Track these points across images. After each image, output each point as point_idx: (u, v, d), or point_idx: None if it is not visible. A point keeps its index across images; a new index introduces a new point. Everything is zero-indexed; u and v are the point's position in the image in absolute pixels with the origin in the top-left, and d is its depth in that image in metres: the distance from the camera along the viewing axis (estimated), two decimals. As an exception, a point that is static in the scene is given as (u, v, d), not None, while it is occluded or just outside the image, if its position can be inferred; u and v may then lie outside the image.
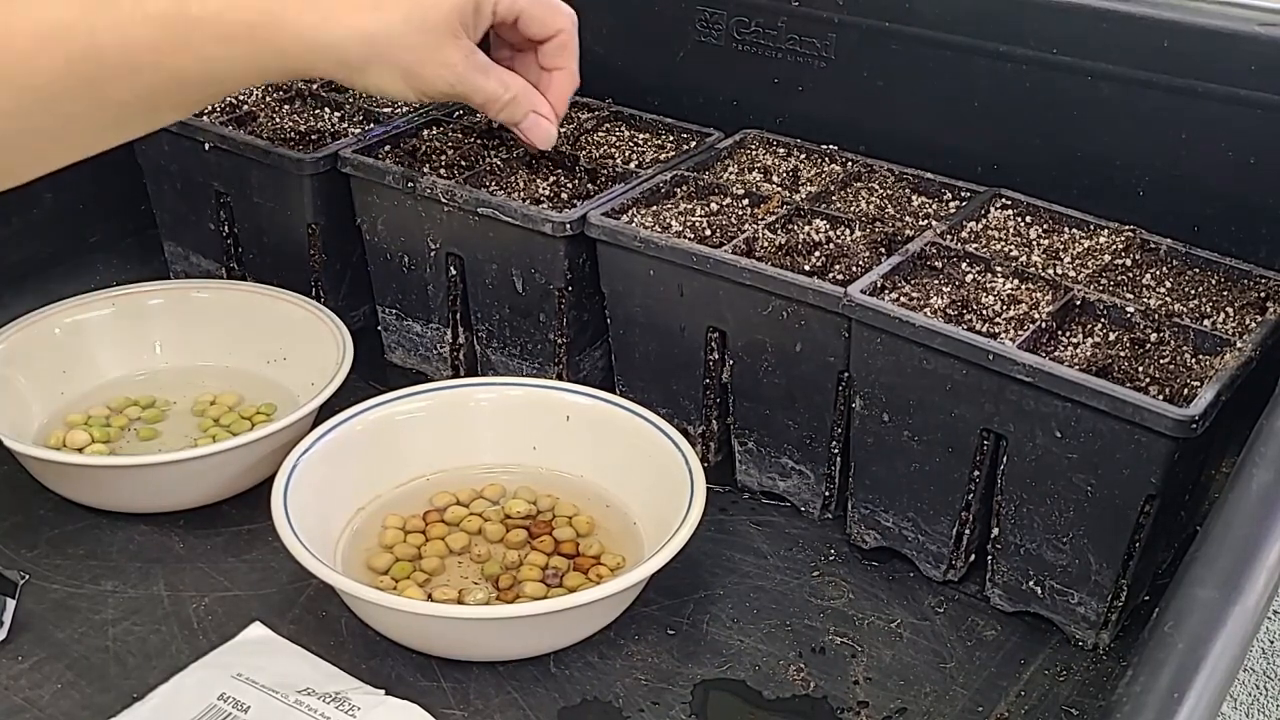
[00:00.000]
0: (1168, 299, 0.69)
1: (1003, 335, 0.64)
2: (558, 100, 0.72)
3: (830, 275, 0.70)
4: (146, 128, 0.62)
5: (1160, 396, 0.61)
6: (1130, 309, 0.67)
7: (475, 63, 0.67)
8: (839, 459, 0.73)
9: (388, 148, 0.83)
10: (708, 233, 0.74)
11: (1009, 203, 0.77)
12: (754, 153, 0.84)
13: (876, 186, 0.80)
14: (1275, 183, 0.72)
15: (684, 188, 0.79)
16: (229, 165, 0.86)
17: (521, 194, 0.79)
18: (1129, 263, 0.72)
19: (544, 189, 0.79)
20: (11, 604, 0.67)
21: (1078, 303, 0.68)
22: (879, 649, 0.67)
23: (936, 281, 0.70)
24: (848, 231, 0.74)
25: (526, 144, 0.72)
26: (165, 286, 0.86)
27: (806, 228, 0.75)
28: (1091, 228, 0.74)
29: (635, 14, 0.91)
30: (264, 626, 0.66)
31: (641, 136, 0.87)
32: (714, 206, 0.77)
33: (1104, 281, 0.70)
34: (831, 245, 0.73)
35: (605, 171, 0.81)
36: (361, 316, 0.90)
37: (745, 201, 0.78)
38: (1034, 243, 0.73)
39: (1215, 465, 0.70)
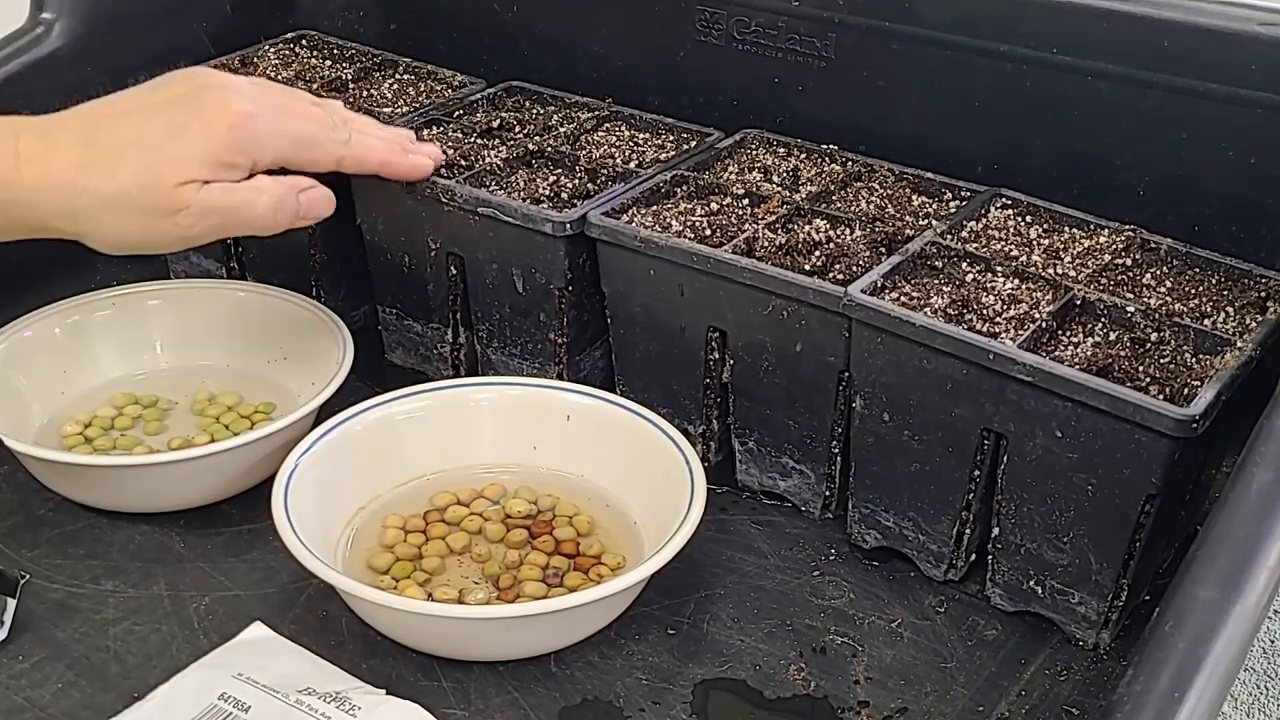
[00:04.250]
0: (1168, 299, 0.69)
1: (1003, 335, 0.65)
2: (410, 175, 0.76)
3: (830, 275, 0.70)
4: None
5: (1160, 396, 0.61)
6: (1130, 309, 0.67)
7: (210, 196, 0.67)
8: (839, 459, 0.73)
9: (388, 148, 0.83)
10: (708, 232, 0.74)
11: (1009, 202, 0.77)
12: (754, 152, 0.84)
13: (876, 186, 0.80)
14: (1275, 183, 0.72)
15: (684, 187, 0.79)
16: (229, 165, 0.86)
17: (521, 194, 0.79)
18: (1129, 262, 0.72)
19: (544, 189, 0.79)
20: (12, 604, 0.67)
21: (1078, 302, 0.68)
22: (880, 649, 0.67)
23: (937, 281, 0.70)
24: (848, 231, 0.74)
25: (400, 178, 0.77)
26: (165, 286, 0.86)
27: (806, 227, 0.75)
28: (1091, 227, 0.74)
29: (635, 14, 0.91)
30: (264, 626, 0.66)
31: (641, 136, 0.87)
32: (714, 206, 0.77)
33: (1104, 281, 0.70)
34: (831, 245, 0.73)
35: (605, 171, 0.81)
36: (361, 316, 0.90)
37: (745, 201, 0.78)
38: (1034, 242, 0.73)
39: (1215, 465, 0.70)
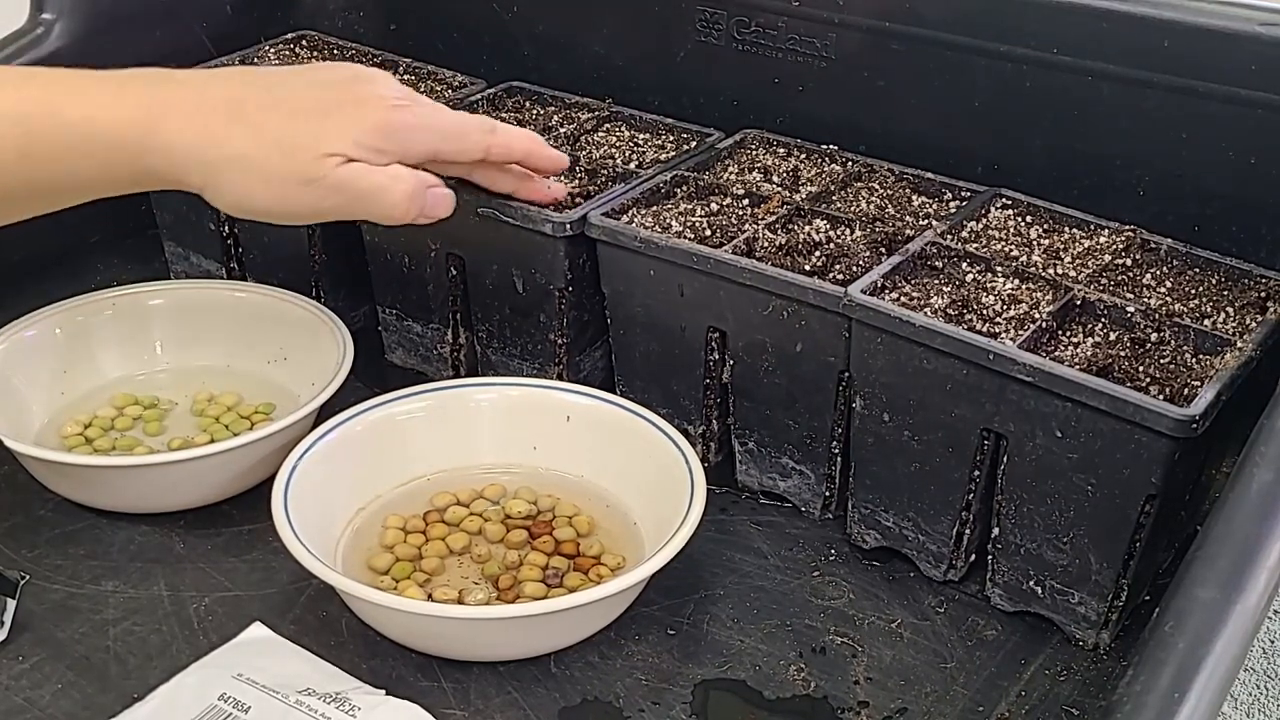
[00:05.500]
0: (1168, 299, 0.69)
1: (1003, 335, 0.65)
2: (549, 165, 0.74)
3: (830, 275, 0.70)
4: None
5: (1160, 396, 0.61)
6: (1130, 309, 0.67)
7: (347, 172, 0.66)
8: (839, 459, 0.73)
9: (388, 148, 0.83)
10: (708, 233, 0.74)
11: (1009, 202, 0.77)
12: (754, 153, 0.84)
13: (876, 186, 0.80)
14: (1275, 183, 0.72)
15: (684, 188, 0.79)
16: (229, 165, 0.86)
17: (522, 194, 0.78)
18: (1129, 262, 0.72)
19: (544, 189, 0.79)
20: (12, 604, 0.67)
21: (1078, 302, 0.68)
22: (879, 649, 0.67)
23: (937, 281, 0.70)
24: (848, 231, 0.74)
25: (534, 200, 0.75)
26: (165, 286, 0.86)
27: (806, 228, 0.75)
28: (1092, 227, 0.74)
29: (635, 14, 0.91)
30: (264, 626, 0.66)
31: (641, 136, 0.87)
32: (714, 206, 0.77)
33: (1104, 281, 0.70)
34: (832, 245, 0.73)
35: (605, 171, 0.81)
36: (361, 316, 0.90)
37: (745, 201, 0.78)
38: (1034, 242, 0.73)
39: (1215, 465, 0.70)
